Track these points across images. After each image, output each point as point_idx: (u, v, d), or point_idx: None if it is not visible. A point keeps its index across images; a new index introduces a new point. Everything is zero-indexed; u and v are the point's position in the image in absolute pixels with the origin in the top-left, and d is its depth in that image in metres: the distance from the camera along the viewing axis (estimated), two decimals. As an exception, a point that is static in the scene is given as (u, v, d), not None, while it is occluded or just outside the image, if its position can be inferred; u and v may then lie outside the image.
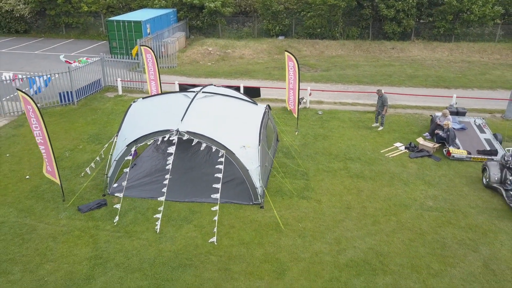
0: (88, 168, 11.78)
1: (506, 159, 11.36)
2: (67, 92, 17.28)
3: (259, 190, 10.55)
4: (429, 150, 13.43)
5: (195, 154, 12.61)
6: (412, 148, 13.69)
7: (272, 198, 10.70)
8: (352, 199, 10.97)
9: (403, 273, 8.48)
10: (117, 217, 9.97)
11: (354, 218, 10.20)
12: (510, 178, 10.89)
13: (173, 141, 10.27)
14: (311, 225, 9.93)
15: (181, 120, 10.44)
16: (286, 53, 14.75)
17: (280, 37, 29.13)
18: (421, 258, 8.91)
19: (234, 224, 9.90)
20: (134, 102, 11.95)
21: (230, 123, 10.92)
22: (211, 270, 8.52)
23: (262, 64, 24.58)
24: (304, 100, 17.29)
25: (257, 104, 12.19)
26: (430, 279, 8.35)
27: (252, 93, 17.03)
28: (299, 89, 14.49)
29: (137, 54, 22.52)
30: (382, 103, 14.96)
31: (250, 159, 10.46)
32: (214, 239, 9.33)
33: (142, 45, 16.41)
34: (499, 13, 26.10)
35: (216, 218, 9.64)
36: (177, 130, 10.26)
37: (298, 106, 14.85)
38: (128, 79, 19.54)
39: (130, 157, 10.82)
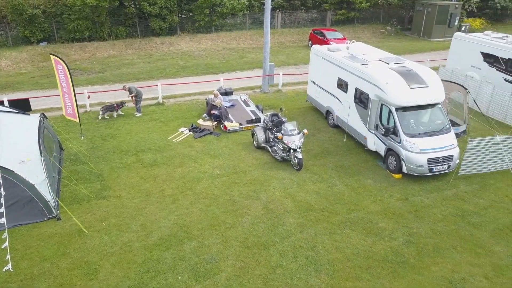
0: None
1: (266, 122, 13.97)
2: None
3: (52, 203, 10.03)
4: (209, 129, 15.18)
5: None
6: (195, 129, 15.19)
7: (69, 207, 10.35)
8: (150, 186, 11.61)
9: (205, 234, 9.70)
10: None
11: (155, 202, 10.88)
12: (271, 136, 13.50)
13: None
14: (115, 220, 10.12)
15: None
16: (52, 57, 13.97)
17: (42, 43, 26.72)
18: (218, 217, 10.33)
19: (30, 245, 9.21)
20: None
21: (3, 139, 9.90)
22: (13, 298, 7.84)
23: (27, 74, 22.27)
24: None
25: (29, 114, 11.33)
26: (227, 231, 9.82)
27: (22, 107, 15.45)
28: (74, 93, 13.98)
29: None
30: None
31: (34, 172, 9.80)
32: (9, 266, 8.51)
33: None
34: (244, 5, 30.58)
35: (6, 244, 8.76)
36: None
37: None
38: None
39: None
